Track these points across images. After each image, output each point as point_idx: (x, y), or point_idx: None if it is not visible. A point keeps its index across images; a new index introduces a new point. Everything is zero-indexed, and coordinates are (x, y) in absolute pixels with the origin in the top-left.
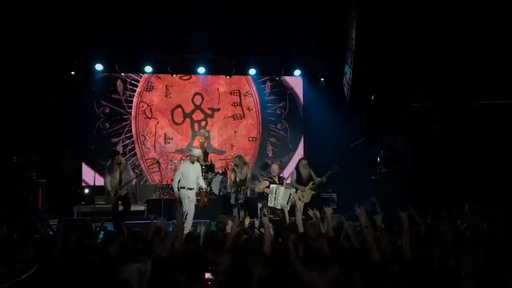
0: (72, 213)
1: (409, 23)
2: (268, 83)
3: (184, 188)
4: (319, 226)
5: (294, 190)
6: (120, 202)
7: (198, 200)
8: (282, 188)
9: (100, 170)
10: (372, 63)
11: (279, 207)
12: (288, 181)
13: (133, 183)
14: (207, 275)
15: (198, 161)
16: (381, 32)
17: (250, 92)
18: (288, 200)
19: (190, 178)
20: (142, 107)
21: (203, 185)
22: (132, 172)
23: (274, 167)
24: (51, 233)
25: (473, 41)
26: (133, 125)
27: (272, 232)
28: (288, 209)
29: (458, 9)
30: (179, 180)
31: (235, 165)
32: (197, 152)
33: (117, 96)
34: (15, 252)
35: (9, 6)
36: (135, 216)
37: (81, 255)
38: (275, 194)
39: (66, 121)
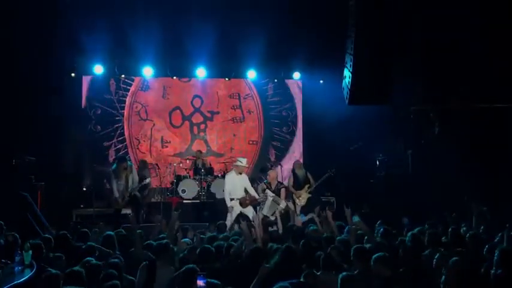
0: (71, 216)
1: (408, 27)
2: (271, 85)
3: (233, 199)
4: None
5: (283, 206)
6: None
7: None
8: (270, 199)
9: (95, 175)
10: (371, 66)
11: (264, 214)
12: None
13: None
14: (199, 283)
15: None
16: (381, 35)
17: (250, 95)
18: (273, 213)
19: (237, 189)
20: (136, 107)
21: (256, 195)
22: (137, 175)
23: (272, 174)
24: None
25: (472, 43)
26: (125, 127)
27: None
28: (273, 219)
29: (458, 12)
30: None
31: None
32: (245, 162)
33: (109, 96)
34: (14, 254)
35: (9, 6)
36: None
37: (78, 259)
38: (265, 201)
39: (65, 123)
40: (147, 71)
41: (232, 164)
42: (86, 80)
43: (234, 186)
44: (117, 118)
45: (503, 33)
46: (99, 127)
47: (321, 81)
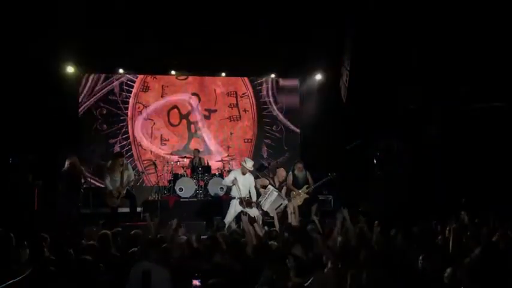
0: (69, 216)
1: (407, 27)
2: (265, 85)
3: (234, 198)
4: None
5: (286, 202)
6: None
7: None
8: (275, 194)
9: (97, 172)
10: (369, 65)
11: (264, 209)
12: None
13: (137, 183)
14: (195, 282)
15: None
16: (379, 35)
17: (247, 94)
18: (277, 208)
19: (238, 187)
20: (139, 108)
21: (254, 198)
22: (133, 172)
23: (282, 173)
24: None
25: (470, 43)
26: (129, 126)
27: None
28: (274, 214)
29: (456, 14)
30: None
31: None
32: (250, 164)
33: (114, 98)
34: (10, 253)
35: (9, 5)
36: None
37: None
38: (267, 195)
39: (63, 122)
40: (145, 70)
41: (229, 162)
42: (86, 80)
43: (235, 183)
44: (121, 118)
45: (501, 35)
46: (104, 126)
47: (318, 79)
